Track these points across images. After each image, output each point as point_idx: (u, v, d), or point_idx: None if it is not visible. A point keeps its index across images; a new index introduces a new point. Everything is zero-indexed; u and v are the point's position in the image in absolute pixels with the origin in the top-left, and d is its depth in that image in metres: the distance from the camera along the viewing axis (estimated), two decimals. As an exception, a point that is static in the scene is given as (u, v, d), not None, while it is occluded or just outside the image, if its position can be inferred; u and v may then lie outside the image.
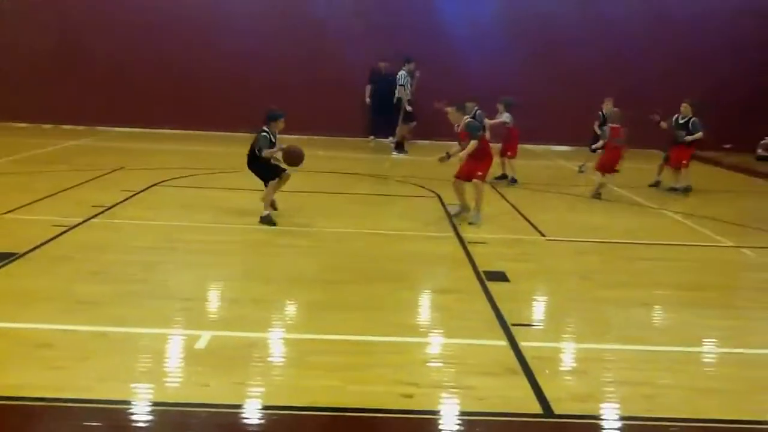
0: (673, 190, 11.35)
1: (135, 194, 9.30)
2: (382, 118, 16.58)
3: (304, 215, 8.50)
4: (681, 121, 11.45)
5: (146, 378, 4.05)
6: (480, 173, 8.46)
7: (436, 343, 4.84)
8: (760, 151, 16.72)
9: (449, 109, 8.67)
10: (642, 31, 17.58)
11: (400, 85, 15.59)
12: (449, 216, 8.76)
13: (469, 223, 8.29)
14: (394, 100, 15.56)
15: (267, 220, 7.82)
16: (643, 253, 7.57)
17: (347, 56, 17.05)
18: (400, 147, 15.57)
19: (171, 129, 17.21)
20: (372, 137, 16.72)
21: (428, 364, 4.45)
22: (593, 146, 11.52)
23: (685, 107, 11.44)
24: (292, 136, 16.67)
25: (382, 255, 7.03)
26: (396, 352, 4.61)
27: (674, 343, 5.03)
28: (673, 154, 11.45)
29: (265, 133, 7.99)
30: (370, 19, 17.30)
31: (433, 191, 10.33)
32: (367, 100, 16.65)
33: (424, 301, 5.85)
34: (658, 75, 17.19)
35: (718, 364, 4.85)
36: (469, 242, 7.48)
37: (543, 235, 8.09)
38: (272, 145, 8.02)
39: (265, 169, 8.05)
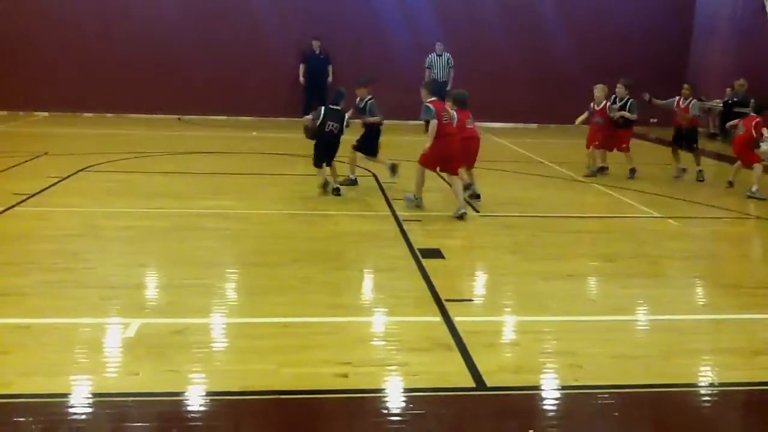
0: (601, 170, 11.08)
1: (59, 181, 8.98)
2: (315, 97, 16.45)
3: (234, 197, 8.36)
4: (618, 103, 11.10)
5: (72, 370, 3.93)
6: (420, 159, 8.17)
7: (370, 322, 4.85)
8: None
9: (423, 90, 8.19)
10: (561, 13, 17.88)
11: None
12: (384, 195, 8.77)
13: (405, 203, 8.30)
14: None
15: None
16: (572, 226, 7.76)
17: (279, 36, 16.84)
18: None
19: (94, 113, 16.68)
20: (306, 117, 16.57)
21: (363, 343, 4.45)
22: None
23: (620, 88, 11.12)
24: (221, 117, 16.58)
25: (314, 235, 7.00)
26: (330, 332, 4.59)
27: (601, 313, 5.17)
28: (613, 138, 11.00)
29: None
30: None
31: (368, 170, 10.31)
32: (301, 79, 16.48)
33: (358, 280, 5.84)
34: (579, 56, 17.56)
35: (642, 331, 5.03)
36: (404, 220, 7.52)
37: (477, 212, 8.19)
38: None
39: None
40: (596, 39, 17.83)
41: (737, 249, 7.47)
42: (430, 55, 15.72)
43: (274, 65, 16.97)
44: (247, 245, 6.59)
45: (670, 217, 8.28)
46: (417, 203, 8.16)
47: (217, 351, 4.33)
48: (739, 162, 10.30)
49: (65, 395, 3.66)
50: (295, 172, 10.18)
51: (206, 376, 3.93)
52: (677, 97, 11.23)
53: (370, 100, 9.23)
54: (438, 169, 8.32)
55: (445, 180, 8.70)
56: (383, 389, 3.87)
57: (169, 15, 16.87)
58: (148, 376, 3.86)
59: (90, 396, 3.66)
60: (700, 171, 11.01)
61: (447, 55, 15.66)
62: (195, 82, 16.81)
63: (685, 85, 11.34)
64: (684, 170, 11.19)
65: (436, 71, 15.70)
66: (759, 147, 10.17)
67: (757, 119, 10.08)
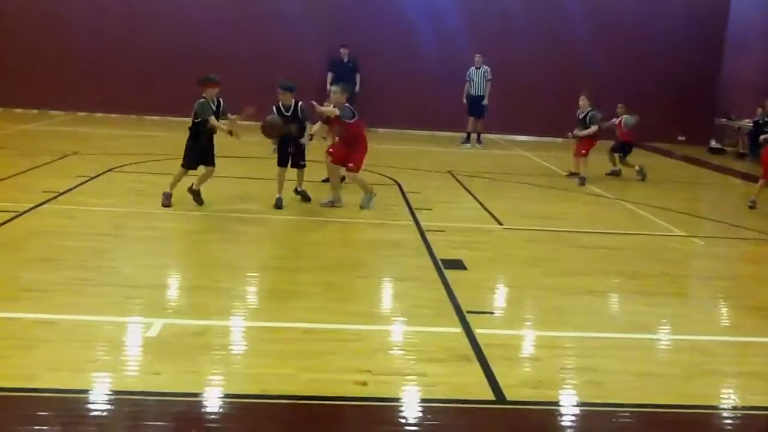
0: (572, 175, 11.65)
1: (88, 180, 9.11)
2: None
3: (259, 203, 8.42)
4: (580, 117, 11.59)
5: (96, 367, 3.98)
6: (351, 164, 8.29)
7: (391, 331, 4.85)
8: (712, 142, 17.13)
9: (334, 88, 8.51)
10: (592, 27, 17.76)
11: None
12: (408, 204, 8.78)
13: (361, 207, 8.32)
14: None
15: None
16: (596, 242, 7.70)
17: (308, 43, 16.96)
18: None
19: (127, 114, 16.90)
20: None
21: (383, 351, 4.46)
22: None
23: (583, 101, 11.56)
24: (248, 123, 16.70)
25: (338, 243, 7.03)
26: (350, 339, 4.60)
27: (622, 330, 5.12)
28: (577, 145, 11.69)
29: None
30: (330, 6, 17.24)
31: (392, 179, 10.34)
32: (328, 87, 16.54)
33: (380, 288, 5.85)
34: (609, 70, 17.42)
35: (664, 351, 4.97)
36: (427, 230, 7.51)
37: (500, 224, 8.16)
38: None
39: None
40: (626, 54, 17.67)
41: (763, 270, 7.36)
42: (470, 68, 15.78)
43: (303, 72, 17.05)
44: (270, 250, 6.63)
45: (694, 236, 8.19)
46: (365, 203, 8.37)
47: (237, 354, 4.36)
48: (762, 181, 10.14)
49: (87, 391, 3.71)
50: (319, 178, 10.22)
51: (226, 379, 3.96)
52: (616, 119, 12.07)
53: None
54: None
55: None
56: (401, 398, 3.87)
57: (199, 21, 17.05)
58: (169, 376, 3.90)
59: (111, 393, 3.71)
60: (615, 171, 12.15)
61: (485, 68, 15.69)
62: (223, 87, 16.95)
63: (619, 105, 12.21)
64: (641, 170, 11.84)
65: (474, 83, 15.74)
66: None
67: None
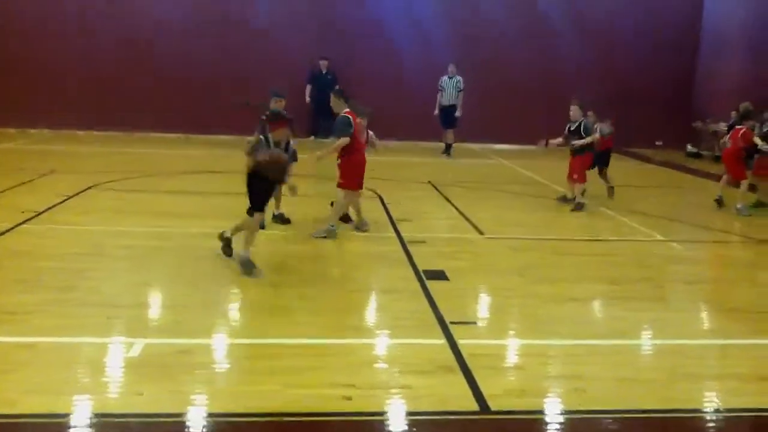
0: (565, 200, 10.16)
1: (68, 198, 9.04)
2: (323, 117, 16.57)
3: (240, 218, 8.35)
4: (572, 128, 9.95)
5: (77, 389, 3.93)
6: (342, 181, 7.68)
7: (375, 344, 4.84)
8: (689, 147, 17.33)
9: (333, 95, 7.96)
10: (569, 35, 17.96)
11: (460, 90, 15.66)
12: (389, 216, 8.79)
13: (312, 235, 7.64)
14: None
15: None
16: (578, 249, 7.75)
17: (286, 57, 16.99)
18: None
19: (104, 131, 16.80)
20: (313, 137, 16.65)
21: (367, 365, 4.45)
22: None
23: (574, 110, 9.97)
24: (225, 137, 16.68)
25: (319, 256, 7.01)
26: (335, 354, 4.60)
27: (606, 336, 5.16)
28: (569, 164, 10.17)
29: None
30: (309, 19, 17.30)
31: (374, 191, 10.34)
32: (307, 99, 16.58)
33: (364, 302, 5.84)
34: (586, 77, 17.61)
35: (647, 355, 5.00)
36: (409, 242, 7.52)
37: (482, 233, 8.19)
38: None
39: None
40: (603, 61, 17.90)
41: (741, 273, 7.44)
42: (442, 77, 15.77)
43: (282, 86, 17.08)
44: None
45: (673, 241, 8.27)
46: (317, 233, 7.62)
47: (220, 371, 4.33)
48: (725, 177, 10.36)
49: (68, 415, 3.66)
50: (300, 192, 10.19)
51: (209, 397, 3.93)
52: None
53: None
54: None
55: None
56: (387, 412, 3.86)
57: (176, 35, 17.01)
58: (152, 396, 3.87)
59: (93, 416, 3.66)
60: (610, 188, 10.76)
61: (458, 78, 15.65)
62: (201, 102, 16.92)
63: (589, 113, 10.58)
64: (612, 188, 10.73)
65: (446, 93, 15.72)
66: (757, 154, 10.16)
67: (743, 130, 10.16)
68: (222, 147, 15.61)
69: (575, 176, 9.88)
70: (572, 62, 17.86)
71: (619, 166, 12.61)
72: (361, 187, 8.00)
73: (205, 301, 5.50)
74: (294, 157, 7.07)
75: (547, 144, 10.57)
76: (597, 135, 10.13)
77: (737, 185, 10.27)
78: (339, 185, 7.74)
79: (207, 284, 5.94)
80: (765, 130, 10.41)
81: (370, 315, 5.58)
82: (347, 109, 7.71)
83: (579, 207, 9.68)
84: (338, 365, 4.38)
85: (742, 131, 10.18)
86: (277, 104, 8.16)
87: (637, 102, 17.35)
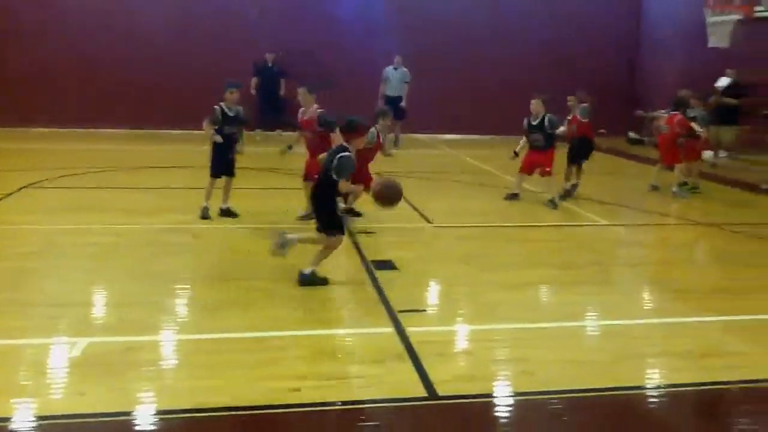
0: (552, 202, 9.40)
1: (4, 197, 8.74)
2: (269, 110, 16.44)
3: (190, 212, 8.24)
4: (534, 123, 9.46)
5: (16, 392, 3.81)
6: (317, 175, 7.28)
7: (323, 335, 4.81)
8: (631, 134, 17.75)
9: (300, 90, 7.84)
10: (515, 27, 18.21)
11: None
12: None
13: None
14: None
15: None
16: (525, 235, 7.86)
17: (235, 50, 16.76)
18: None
19: (42, 127, 16.31)
20: (258, 130, 16.47)
21: (316, 356, 4.42)
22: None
23: (536, 103, 9.47)
24: (176, 131, 16.40)
25: (262, 250, 6.92)
26: (283, 346, 4.56)
27: (553, 320, 5.22)
28: (530, 159, 9.65)
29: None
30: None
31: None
32: (252, 92, 16.38)
33: (312, 293, 5.76)
34: (532, 69, 17.89)
35: (594, 337, 5.10)
36: (357, 232, 7.51)
37: (430, 222, 8.23)
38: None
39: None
40: (549, 53, 18.22)
41: (682, 254, 7.65)
42: (387, 68, 15.51)
43: (228, 77, 16.85)
44: (203, 260, 6.50)
45: (618, 225, 8.45)
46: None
47: (167, 368, 4.26)
48: (659, 164, 10.70)
49: (9, 419, 3.54)
50: (251, 185, 10.09)
51: (156, 394, 3.86)
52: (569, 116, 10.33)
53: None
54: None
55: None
56: (336, 402, 3.84)
57: (121, 30, 16.65)
58: (95, 396, 3.77)
59: (34, 419, 3.56)
60: (574, 185, 10.11)
61: (404, 69, 15.45)
62: (150, 96, 16.60)
63: (569, 97, 10.42)
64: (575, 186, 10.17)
65: (392, 84, 15.50)
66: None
67: (678, 116, 10.50)
68: (169, 142, 15.35)
69: (547, 168, 9.38)
70: (519, 53, 18.09)
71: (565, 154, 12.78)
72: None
73: (154, 297, 5.39)
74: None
75: (516, 155, 9.89)
76: (563, 128, 9.97)
77: (671, 169, 10.62)
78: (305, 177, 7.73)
79: (157, 281, 5.82)
80: (691, 116, 10.74)
81: (319, 306, 5.53)
82: (316, 106, 7.71)
83: (554, 205, 9.27)
84: (287, 357, 4.35)
85: (677, 118, 10.51)
86: (231, 95, 8.00)
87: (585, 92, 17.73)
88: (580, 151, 10.28)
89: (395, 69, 15.46)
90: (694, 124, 10.50)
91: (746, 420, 3.89)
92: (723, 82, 13.98)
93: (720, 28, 14.75)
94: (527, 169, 9.67)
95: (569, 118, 10.32)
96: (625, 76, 18.83)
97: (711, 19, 14.91)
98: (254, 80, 16.40)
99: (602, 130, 18.06)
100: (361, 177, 7.11)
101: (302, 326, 4.91)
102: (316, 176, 6.11)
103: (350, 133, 5.83)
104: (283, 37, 16.84)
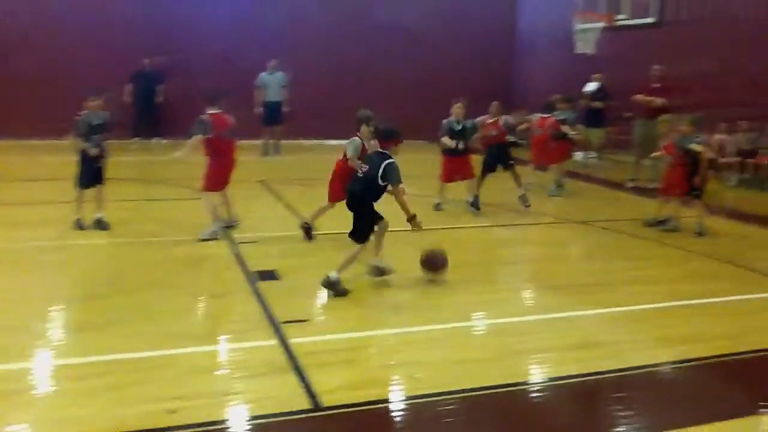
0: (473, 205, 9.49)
1: None
2: (146, 117, 15.84)
3: (54, 227, 7.71)
4: (457, 128, 9.26)
5: None
6: (204, 182, 7.59)
7: (204, 351, 4.60)
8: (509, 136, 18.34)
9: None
10: (396, 34, 18.48)
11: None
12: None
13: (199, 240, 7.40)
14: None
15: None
16: (409, 239, 7.85)
17: (108, 55, 15.99)
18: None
19: None
20: (135, 138, 15.79)
21: (196, 374, 4.20)
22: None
23: (459, 107, 9.33)
24: (41, 141, 15.41)
25: (145, 263, 6.60)
26: (161, 365, 4.31)
27: (437, 322, 5.24)
28: (451, 167, 9.51)
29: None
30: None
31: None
32: (126, 98, 15.70)
33: (191, 307, 5.54)
34: (415, 75, 18.24)
35: (478, 336, 5.15)
36: (239, 242, 7.28)
37: (315, 230, 8.09)
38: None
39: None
40: (429, 59, 18.69)
41: (560, 251, 7.92)
42: (261, 74, 14.92)
43: (103, 84, 16.03)
44: (71, 278, 6.09)
45: (497, 225, 8.65)
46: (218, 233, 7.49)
47: (38, 397, 3.91)
48: (533, 165, 11.15)
49: None
50: (119, 197, 9.60)
51: (28, 425, 3.54)
52: (489, 118, 9.90)
53: None
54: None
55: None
56: (215, 421, 3.66)
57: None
58: (-53, 433, 3.41)
59: None
60: (523, 196, 9.76)
61: (280, 73, 14.99)
62: (12, 102, 15.54)
63: (493, 103, 10.03)
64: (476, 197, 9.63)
65: (269, 90, 15.06)
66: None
67: (550, 119, 10.98)
68: (38, 152, 14.39)
69: (469, 174, 9.43)
70: (399, 59, 18.37)
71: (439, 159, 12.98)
72: (223, 188, 7.75)
73: (21, 321, 4.97)
74: None
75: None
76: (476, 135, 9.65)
77: (543, 170, 11.07)
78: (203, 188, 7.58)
79: (24, 302, 5.38)
80: (561, 118, 11.22)
81: (199, 321, 5.31)
82: (212, 111, 7.48)
83: (477, 207, 9.33)
84: (163, 377, 4.11)
85: (549, 120, 10.98)
86: (92, 103, 7.68)
87: (460, 95, 18.21)
88: (501, 157, 9.78)
89: (270, 74, 14.94)
90: (565, 127, 10.97)
91: (623, 406, 4.02)
92: (591, 86, 14.68)
93: (586, 36, 15.54)
94: (449, 177, 9.52)
95: (489, 122, 9.86)
96: (502, 81, 19.49)
97: (579, 26, 15.68)
98: (128, 87, 15.71)
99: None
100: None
101: (181, 343, 4.66)
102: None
103: (388, 140, 5.99)
104: (163, 44, 16.26)
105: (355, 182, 6.10)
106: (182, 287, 5.94)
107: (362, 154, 6.96)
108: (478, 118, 9.94)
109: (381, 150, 6.00)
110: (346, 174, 6.89)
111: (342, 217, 8.74)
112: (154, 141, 15.99)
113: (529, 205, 9.62)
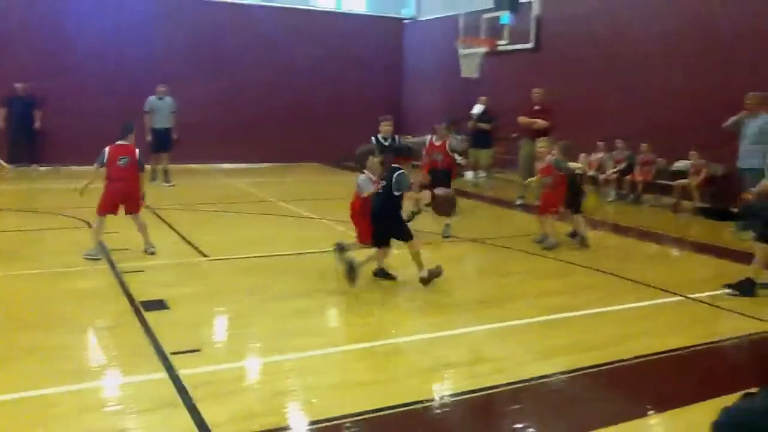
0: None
1: None
2: (22, 142, 15.05)
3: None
4: (386, 144, 9.08)
5: None
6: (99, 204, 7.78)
7: (90, 388, 4.35)
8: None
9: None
10: (294, 62, 18.56)
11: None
12: (103, 246, 8.11)
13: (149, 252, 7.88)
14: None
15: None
16: (307, 263, 7.82)
17: None
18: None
19: None
20: (11, 166, 14.91)
21: (78, 413, 3.97)
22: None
23: (388, 127, 9.40)
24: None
25: (22, 298, 6.22)
26: (46, 405, 4.04)
27: (333, 345, 5.22)
28: None
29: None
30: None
31: (83, 220, 9.51)
32: (1, 125, 14.86)
33: (76, 342, 5.23)
34: (312, 98, 18.37)
35: (373, 358, 5.14)
36: (124, 272, 6.99)
37: (206, 256, 7.91)
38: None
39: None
40: (326, 79, 18.89)
41: (451, 269, 8.01)
42: (150, 98, 14.34)
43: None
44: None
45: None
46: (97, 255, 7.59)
47: None
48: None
49: None
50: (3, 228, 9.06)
51: None
52: (429, 137, 9.91)
53: None
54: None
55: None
56: (100, 462, 3.47)
57: None
58: None
59: None
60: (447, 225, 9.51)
61: (169, 99, 14.39)
62: None
63: (438, 126, 10.01)
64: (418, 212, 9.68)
65: (158, 116, 14.47)
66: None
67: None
68: None
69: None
70: (298, 85, 18.49)
71: (335, 180, 13.06)
72: (109, 211, 7.82)
73: None
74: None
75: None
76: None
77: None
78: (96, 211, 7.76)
79: None
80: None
81: (80, 358, 5.00)
82: (121, 142, 7.81)
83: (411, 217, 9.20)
84: (48, 417, 3.87)
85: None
86: None
87: (355, 118, 18.66)
88: (443, 182, 9.33)
89: (160, 99, 14.38)
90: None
91: (519, 418, 4.13)
92: (477, 109, 15.20)
93: (469, 60, 16.10)
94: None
95: (437, 144, 9.73)
96: (393, 102, 19.89)
97: (462, 51, 16.22)
98: (3, 111, 14.87)
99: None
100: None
101: (61, 381, 4.39)
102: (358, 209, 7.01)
103: (401, 157, 6.94)
104: (39, 69, 15.54)
105: (375, 199, 6.80)
106: (65, 321, 5.61)
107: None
108: (423, 139, 10.01)
109: (394, 165, 6.79)
110: (367, 210, 6.98)
111: (247, 243, 8.61)
112: (32, 168, 15.20)
113: (448, 236, 9.45)
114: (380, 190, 6.74)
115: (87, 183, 7.54)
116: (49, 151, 15.56)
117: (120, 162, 7.69)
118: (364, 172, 7.07)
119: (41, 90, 15.19)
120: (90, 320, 5.70)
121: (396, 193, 6.67)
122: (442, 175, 9.57)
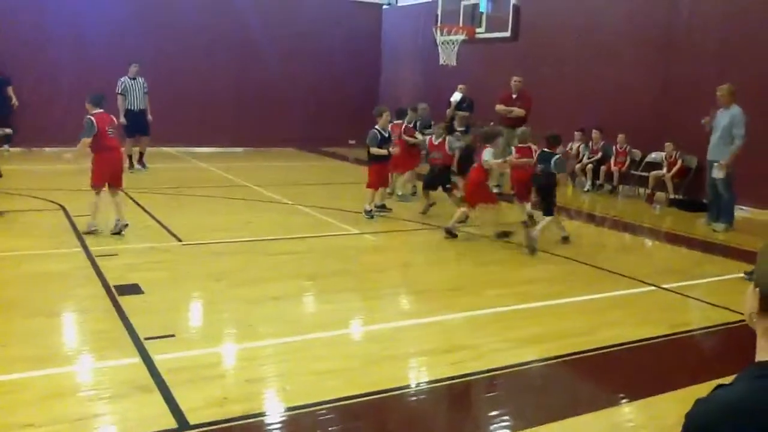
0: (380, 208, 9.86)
1: None
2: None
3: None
4: (385, 135, 9.79)
5: None
6: (92, 180, 7.88)
7: (61, 373, 4.31)
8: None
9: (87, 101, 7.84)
10: (275, 46, 18.36)
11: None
12: (75, 229, 8.01)
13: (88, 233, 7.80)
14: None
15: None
16: (279, 248, 7.79)
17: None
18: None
19: None
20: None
21: (50, 398, 3.92)
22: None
23: (387, 116, 9.92)
24: None
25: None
26: (12, 390, 3.99)
27: (307, 332, 5.19)
28: (383, 172, 9.96)
29: None
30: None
31: (56, 203, 9.36)
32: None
33: (45, 327, 5.16)
34: (291, 86, 18.27)
35: (347, 345, 5.15)
36: (97, 256, 6.90)
37: (180, 241, 7.84)
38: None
39: None
40: (306, 70, 18.81)
41: (427, 257, 8.07)
42: (122, 79, 13.67)
43: None
44: None
45: (366, 233, 8.73)
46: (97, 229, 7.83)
47: None
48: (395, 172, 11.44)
49: None
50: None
51: None
52: (435, 138, 10.16)
53: None
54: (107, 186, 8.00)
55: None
56: (72, 448, 3.44)
57: None
58: None
59: None
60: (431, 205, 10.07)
61: (141, 79, 13.80)
62: None
63: (441, 124, 10.54)
64: (432, 205, 10.11)
65: (130, 97, 14.09)
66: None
67: (404, 125, 11.46)
68: None
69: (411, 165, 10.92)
70: (274, 70, 18.30)
71: (311, 166, 12.98)
72: (109, 182, 7.96)
73: None
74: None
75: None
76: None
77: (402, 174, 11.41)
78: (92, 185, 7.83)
79: None
80: (411, 125, 11.61)
81: (53, 342, 4.94)
82: (94, 112, 7.74)
83: (371, 214, 9.56)
84: (15, 403, 3.82)
85: (403, 127, 11.34)
86: None
87: (332, 107, 18.58)
88: (441, 179, 9.97)
89: (132, 80, 13.76)
90: (418, 134, 11.31)
91: (496, 405, 4.17)
92: (456, 96, 15.17)
93: (448, 48, 16.05)
94: (380, 182, 9.93)
95: (436, 143, 10.05)
96: (371, 90, 19.81)
97: (441, 38, 16.16)
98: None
99: (352, 141, 18.85)
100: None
101: (35, 366, 4.33)
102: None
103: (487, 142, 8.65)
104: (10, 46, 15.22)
105: (541, 177, 8.43)
106: (36, 306, 5.53)
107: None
108: (424, 138, 10.64)
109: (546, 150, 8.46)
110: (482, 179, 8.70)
111: (220, 228, 8.55)
112: (3, 149, 14.92)
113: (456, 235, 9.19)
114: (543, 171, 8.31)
115: (78, 153, 7.66)
116: (29, 131, 15.25)
117: (110, 131, 7.75)
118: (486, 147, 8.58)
119: (9, 69, 14.92)
120: (62, 304, 5.63)
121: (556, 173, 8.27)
122: (438, 170, 9.99)
